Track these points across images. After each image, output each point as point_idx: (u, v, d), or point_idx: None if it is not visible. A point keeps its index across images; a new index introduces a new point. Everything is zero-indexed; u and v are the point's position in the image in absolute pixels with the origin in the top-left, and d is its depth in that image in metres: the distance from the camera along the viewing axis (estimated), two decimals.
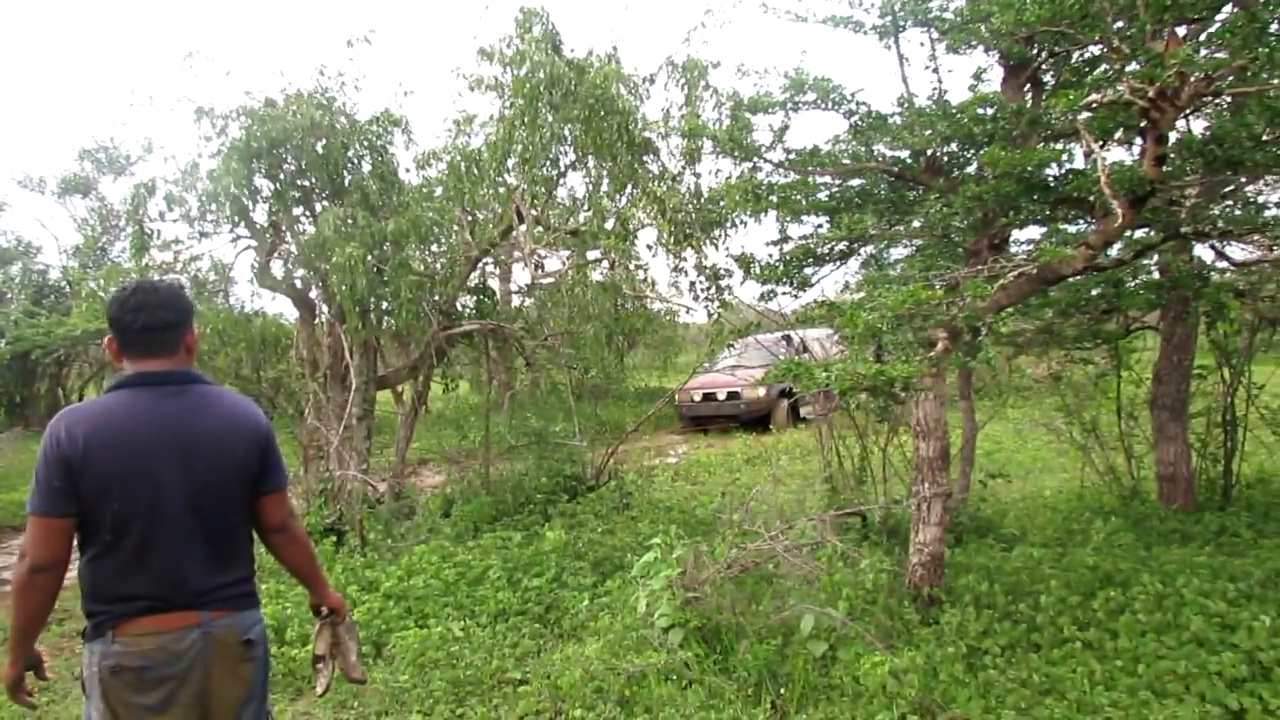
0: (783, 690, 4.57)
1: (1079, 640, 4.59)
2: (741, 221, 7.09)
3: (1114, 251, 5.72)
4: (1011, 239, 5.79)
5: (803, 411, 14.64)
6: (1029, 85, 4.98)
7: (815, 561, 5.50)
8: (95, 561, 2.62)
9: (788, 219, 6.05)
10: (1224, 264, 6.80)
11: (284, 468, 3.01)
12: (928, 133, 4.76)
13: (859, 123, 4.97)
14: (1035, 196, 4.29)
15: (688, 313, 9.42)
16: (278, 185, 7.53)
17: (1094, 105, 3.60)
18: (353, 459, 8.62)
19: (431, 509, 8.55)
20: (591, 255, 7.98)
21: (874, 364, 3.91)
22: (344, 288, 6.79)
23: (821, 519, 6.39)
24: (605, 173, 7.47)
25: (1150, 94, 3.44)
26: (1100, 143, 4.20)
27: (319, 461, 7.98)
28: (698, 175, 7.87)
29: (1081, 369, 8.46)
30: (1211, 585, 4.84)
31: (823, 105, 4.87)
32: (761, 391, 14.91)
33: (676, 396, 14.71)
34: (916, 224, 5.20)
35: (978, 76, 5.23)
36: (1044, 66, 5.06)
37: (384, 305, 7.53)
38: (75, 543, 2.63)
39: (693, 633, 5.03)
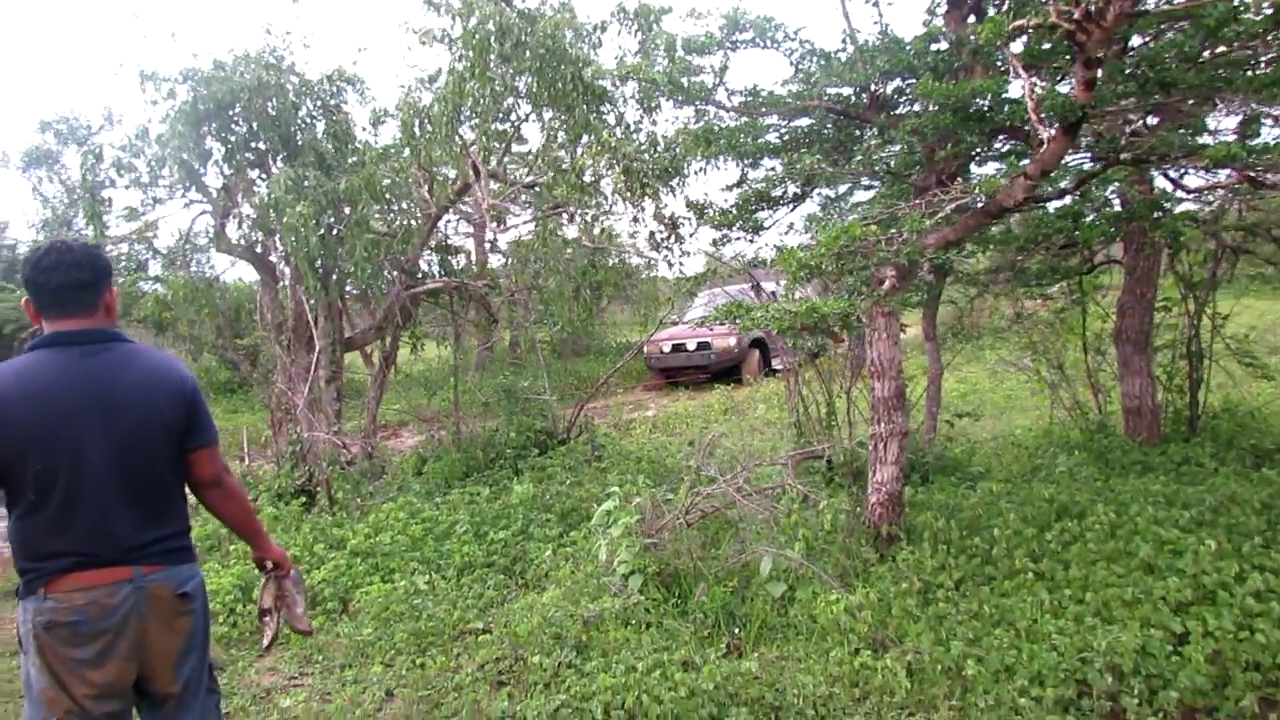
0: (739, 630, 4.62)
1: (1031, 571, 4.64)
2: (700, 169, 7.01)
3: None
4: (971, 176, 5.76)
5: (774, 362, 14.51)
6: (972, 16, 4.91)
7: (775, 505, 5.54)
8: (23, 520, 2.63)
9: (746, 163, 6.00)
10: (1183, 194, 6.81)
11: (212, 423, 3.00)
12: (867, 69, 4.70)
13: (800, 61, 4.91)
14: (973, 128, 4.24)
15: (652, 265, 9.33)
16: (228, 147, 7.43)
17: (1020, 30, 3.54)
18: (322, 420, 8.63)
19: (405, 468, 8.58)
20: (552, 209, 7.90)
21: (806, 302, 3.89)
22: (297, 248, 6.72)
23: (783, 462, 6.42)
24: (560, 124, 7.36)
25: (1076, 15, 3.38)
26: (1031, 70, 4.15)
27: (290, 424, 7.96)
28: (654, 123, 7.80)
29: (1044, 306, 8.45)
30: (1166, 513, 4.89)
31: (761, 44, 4.80)
32: (732, 341, 14.74)
33: (645, 348, 14.47)
34: (861, 161, 5.13)
35: (932, 11, 5.15)
36: None
37: (342, 266, 7.45)
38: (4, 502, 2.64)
39: (652, 578, 5.07)
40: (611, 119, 7.84)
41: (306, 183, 7.14)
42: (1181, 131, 4.32)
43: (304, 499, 7.41)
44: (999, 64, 4.75)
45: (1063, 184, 4.71)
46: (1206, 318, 7.88)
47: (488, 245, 8.56)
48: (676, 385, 15.50)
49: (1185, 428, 7.87)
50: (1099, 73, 3.58)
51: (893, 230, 4.12)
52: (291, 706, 4.50)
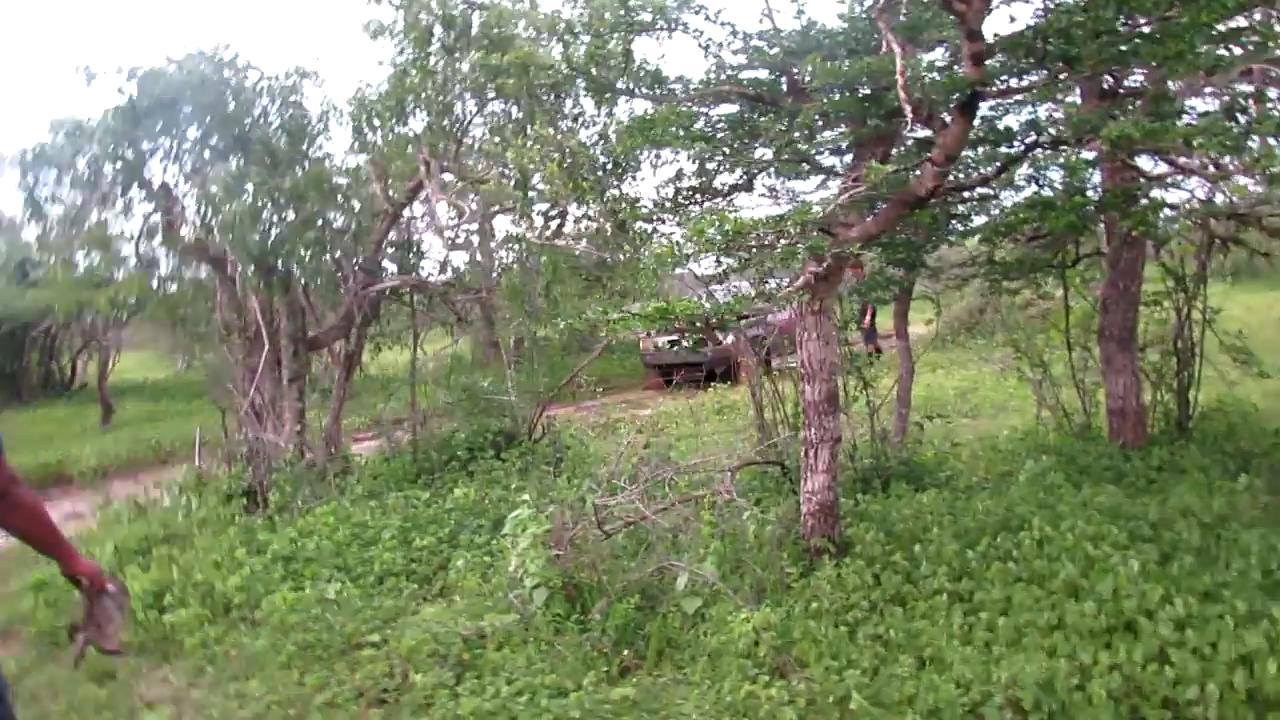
0: (626, 651, 4.33)
1: (948, 592, 4.29)
2: (652, 163, 6.70)
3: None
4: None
5: (775, 363, 13.98)
6: None
7: (697, 514, 5.24)
8: None
9: (679, 154, 5.69)
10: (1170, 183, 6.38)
11: None
12: (775, 50, 4.38)
13: (707, 45, 4.59)
14: (869, 110, 3.91)
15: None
16: (169, 145, 7.28)
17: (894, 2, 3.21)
18: (282, 421, 8.47)
19: (369, 470, 8.39)
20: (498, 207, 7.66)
21: (693, 303, 3.60)
22: (234, 244, 6.54)
23: (729, 468, 6.10)
24: (504, 119, 7.12)
25: None
26: (915, 46, 3.81)
27: (238, 425, 7.82)
28: (611, 116, 7.49)
29: (1012, 300, 8.03)
30: (1103, 529, 4.50)
31: (663, 27, 4.49)
32: (730, 339, 14.17)
33: (641, 344, 14.00)
34: (762, 152, 4.79)
35: None
36: None
37: (288, 264, 7.27)
38: None
39: (558, 591, 4.80)
40: (569, 110, 7.58)
41: (248, 180, 6.96)
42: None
43: (245, 500, 7.26)
44: (921, 42, 4.42)
45: (985, 170, 4.34)
46: (1197, 312, 7.42)
47: (448, 242, 8.27)
48: (675, 384, 14.92)
49: (1174, 429, 7.42)
50: (983, 46, 3.22)
51: (785, 222, 3.79)
52: None
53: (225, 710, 4.32)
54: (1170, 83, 6.20)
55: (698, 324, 3.61)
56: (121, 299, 7.69)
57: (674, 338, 14.65)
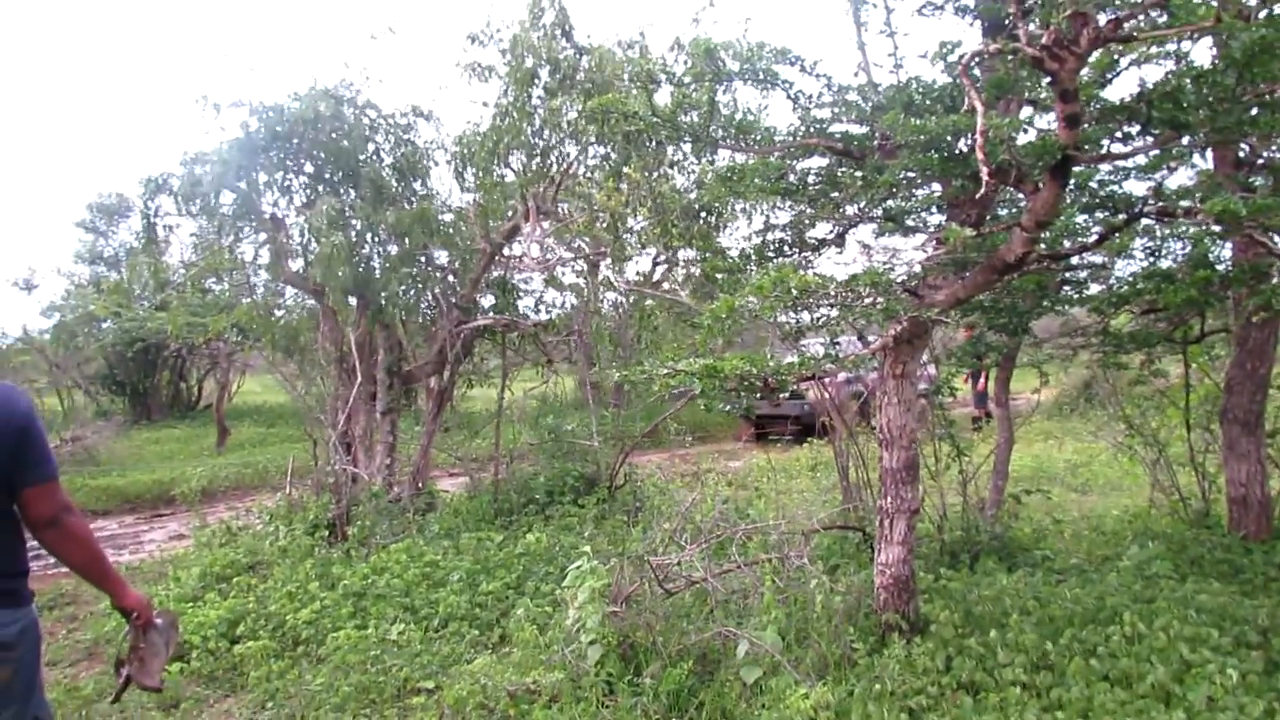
0: (685, 718, 4.14)
1: (1023, 685, 3.97)
2: (744, 211, 6.62)
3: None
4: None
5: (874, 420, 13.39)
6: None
7: (761, 579, 5.03)
8: None
9: (769, 206, 5.59)
10: None
11: (51, 458, 2.84)
12: (869, 105, 4.23)
13: (796, 96, 4.48)
14: (953, 170, 3.71)
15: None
16: (282, 178, 7.55)
17: (981, 57, 3.04)
18: (371, 454, 8.62)
19: (451, 508, 8.44)
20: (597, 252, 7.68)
21: (745, 360, 3.45)
22: (327, 277, 6.71)
23: (801, 533, 5.87)
24: (601, 162, 7.14)
25: (1044, 41, 2.87)
26: (1005, 105, 3.60)
27: (327, 456, 7.97)
28: (711, 164, 7.43)
29: (1124, 375, 7.55)
30: (1203, 630, 4.10)
31: (752, 79, 4.39)
32: (830, 393, 13.67)
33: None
34: (851, 208, 4.61)
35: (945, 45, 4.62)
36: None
37: (383, 298, 7.41)
38: None
39: (612, 650, 4.65)
40: (676, 156, 7.57)
41: (351, 213, 7.15)
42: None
43: (327, 532, 7.36)
44: (1026, 98, 4.21)
45: (1086, 239, 4.08)
46: None
47: (546, 282, 8.33)
48: (764, 438, 14.46)
49: None
50: (1078, 108, 3.02)
51: (857, 282, 3.63)
52: None
53: None
54: None
55: (749, 384, 3.44)
56: (231, 325, 7.96)
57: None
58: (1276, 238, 6.07)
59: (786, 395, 14.36)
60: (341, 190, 7.91)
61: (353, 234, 7.16)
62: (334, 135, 7.75)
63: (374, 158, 8.15)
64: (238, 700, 5.13)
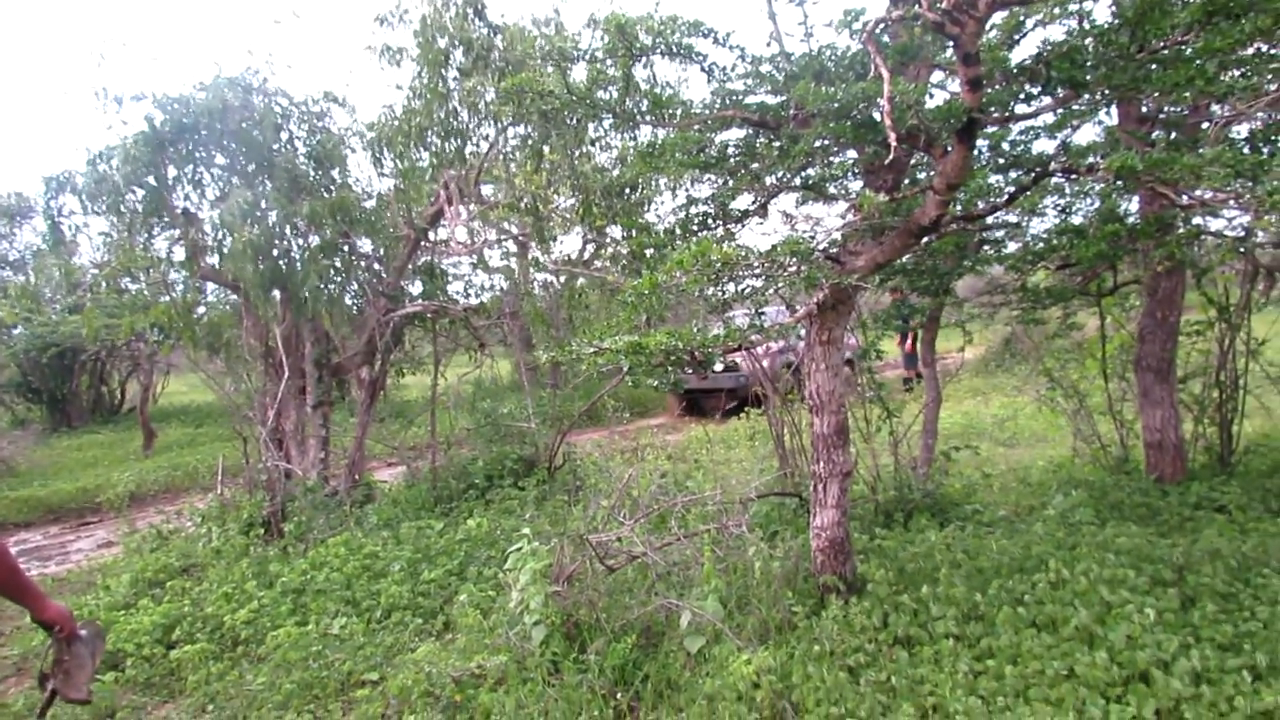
0: (620, 694, 4.19)
1: (954, 637, 4.10)
2: (667, 186, 6.62)
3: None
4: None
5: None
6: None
7: (699, 549, 5.09)
8: None
9: (688, 181, 5.60)
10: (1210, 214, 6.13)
11: None
12: (782, 75, 4.27)
13: (711, 69, 4.50)
14: (865, 136, 3.77)
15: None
16: (192, 171, 7.35)
17: (886, 23, 3.09)
18: (304, 449, 8.49)
19: (390, 498, 8.36)
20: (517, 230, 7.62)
21: (670, 335, 3.48)
22: (239, 271, 6.55)
23: (738, 501, 5.95)
24: (521, 143, 7.07)
25: (944, 5, 2.92)
26: (908, 68, 3.67)
27: (258, 452, 7.83)
28: (634, 141, 7.43)
29: (1043, 330, 7.78)
30: (1123, 572, 4.27)
31: (665, 52, 4.40)
32: (764, 363, 13.62)
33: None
34: (770, 178, 4.66)
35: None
36: None
37: (305, 291, 7.27)
38: None
39: (556, 629, 4.68)
40: (590, 137, 7.52)
41: (266, 205, 6.99)
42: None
43: (263, 530, 7.25)
44: (933, 63, 4.28)
45: (999, 200, 4.18)
46: (1240, 343, 7.13)
47: (473, 266, 8.24)
48: (695, 411, 14.34)
49: (1216, 464, 7.12)
50: (979, 71, 3.08)
51: (776, 252, 3.67)
52: None
53: None
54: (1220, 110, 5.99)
55: (675, 358, 3.47)
56: (150, 325, 7.75)
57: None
58: (1181, 191, 6.33)
59: (721, 368, 14.47)
60: (256, 181, 7.72)
61: (270, 226, 7.00)
62: (244, 125, 7.55)
63: (288, 146, 7.96)
64: (176, 705, 5.04)
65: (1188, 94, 3.24)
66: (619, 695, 4.15)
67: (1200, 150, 3.18)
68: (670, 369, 3.61)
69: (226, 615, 5.68)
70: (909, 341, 16.31)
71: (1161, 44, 3.41)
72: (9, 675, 5.81)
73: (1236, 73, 3.70)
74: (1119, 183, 4.67)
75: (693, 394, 14.94)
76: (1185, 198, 5.04)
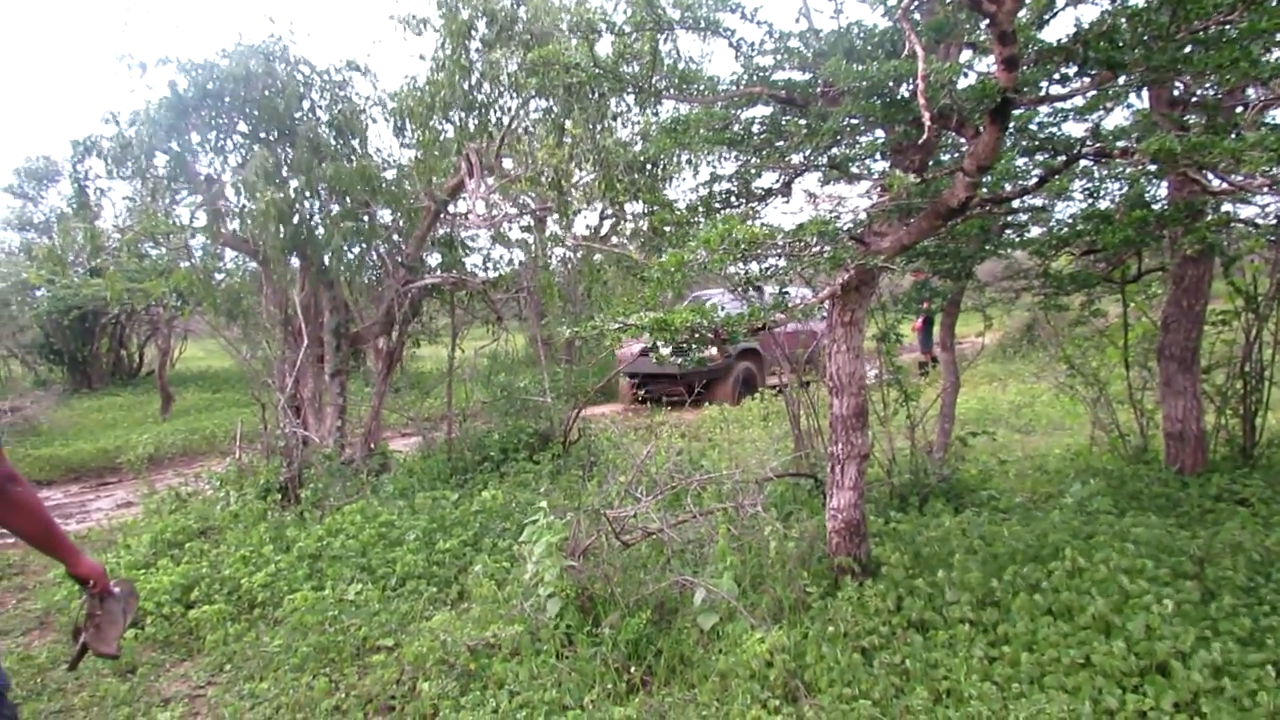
0: (632, 668, 4.20)
1: (970, 622, 4.09)
2: (689, 162, 6.57)
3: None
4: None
5: (771, 379, 12.81)
6: None
7: (714, 527, 5.09)
8: None
9: (714, 158, 5.56)
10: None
11: None
12: (810, 51, 4.21)
13: (739, 43, 4.44)
14: (896, 115, 3.72)
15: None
16: (215, 138, 7.35)
17: (919, 0, 3.03)
18: (321, 416, 8.52)
19: (405, 468, 8.40)
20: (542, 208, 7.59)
21: (694, 312, 3.46)
22: (260, 234, 6.56)
23: (754, 481, 5.96)
24: (544, 116, 7.02)
25: None
26: (940, 46, 3.62)
27: (275, 419, 7.87)
28: (656, 116, 7.37)
29: (1065, 316, 7.71)
30: (1141, 562, 4.24)
31: (692, 26, 4.35)
32: (713, 350, 11.99)
33: (617, 354, 12.39)
34: (796, 156, 4.61)
35: None
36: None
37: (326, 257, 7.28)
38: None
39: (571, 602, 4.70)
40: (612, 111, 7.46)
41: (287, 169, 6.98)
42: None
43: (280, 496, 7.30)
44: (966, 41, 4.22)
45: (1027, 182, 4.13)
46: (1268, 333, 7.04)
47: (492, 239, 8.23)
48: (646, 399, 13.08)
49: (1238, 456, 7.05)
50: (1015, 50, 3.03)
51: (803, 232, 3.64)
52: None
53: (236, 710, 4.30)
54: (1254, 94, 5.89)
55: (699, 335, 3.45)
56: (171, 290, 7.78)
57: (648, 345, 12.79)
58: (1210, 175, 6.24)
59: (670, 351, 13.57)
60: (278, 149, 7.71)
61: (290, 191, 7.00)
62: (267, 93, 7.53)
63: (310, 115, 7.94)
64: (194, 664, 5.11)
65: (1230, 76, 3.17)
66: (632, 669, 4.16)
67: (1241, 134, 3.13)
68: (693, 346, 3.60)
69: (244, 578, 5.73)
70: (921, 322, 16.22)
71: (1203, 24, 3.34)
72: (33, 628, 5.90)
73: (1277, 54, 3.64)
74: (1152, 167, 4.61)
75: (643, 379, 13.74)
76: (1218, 183, 4.98)
